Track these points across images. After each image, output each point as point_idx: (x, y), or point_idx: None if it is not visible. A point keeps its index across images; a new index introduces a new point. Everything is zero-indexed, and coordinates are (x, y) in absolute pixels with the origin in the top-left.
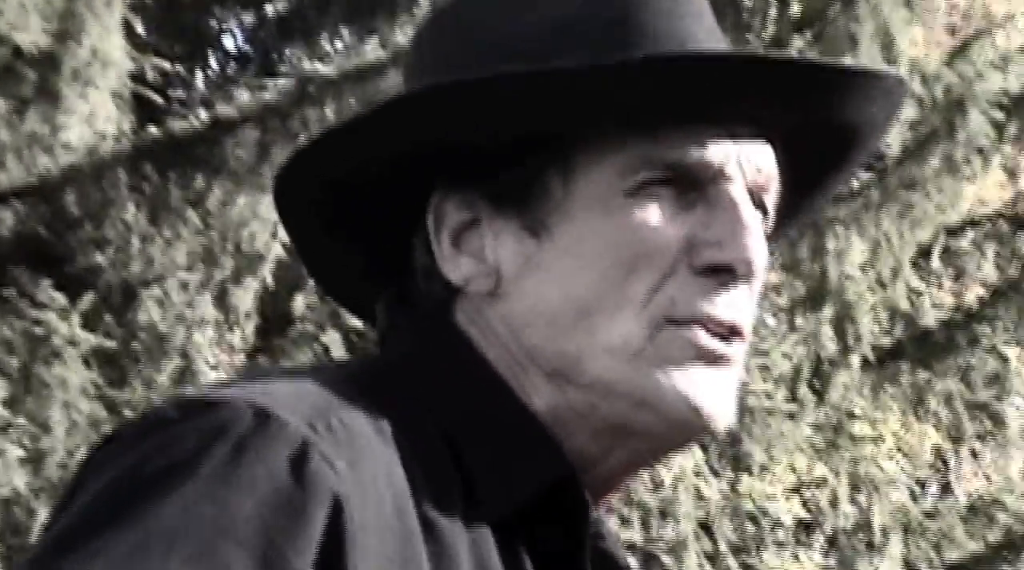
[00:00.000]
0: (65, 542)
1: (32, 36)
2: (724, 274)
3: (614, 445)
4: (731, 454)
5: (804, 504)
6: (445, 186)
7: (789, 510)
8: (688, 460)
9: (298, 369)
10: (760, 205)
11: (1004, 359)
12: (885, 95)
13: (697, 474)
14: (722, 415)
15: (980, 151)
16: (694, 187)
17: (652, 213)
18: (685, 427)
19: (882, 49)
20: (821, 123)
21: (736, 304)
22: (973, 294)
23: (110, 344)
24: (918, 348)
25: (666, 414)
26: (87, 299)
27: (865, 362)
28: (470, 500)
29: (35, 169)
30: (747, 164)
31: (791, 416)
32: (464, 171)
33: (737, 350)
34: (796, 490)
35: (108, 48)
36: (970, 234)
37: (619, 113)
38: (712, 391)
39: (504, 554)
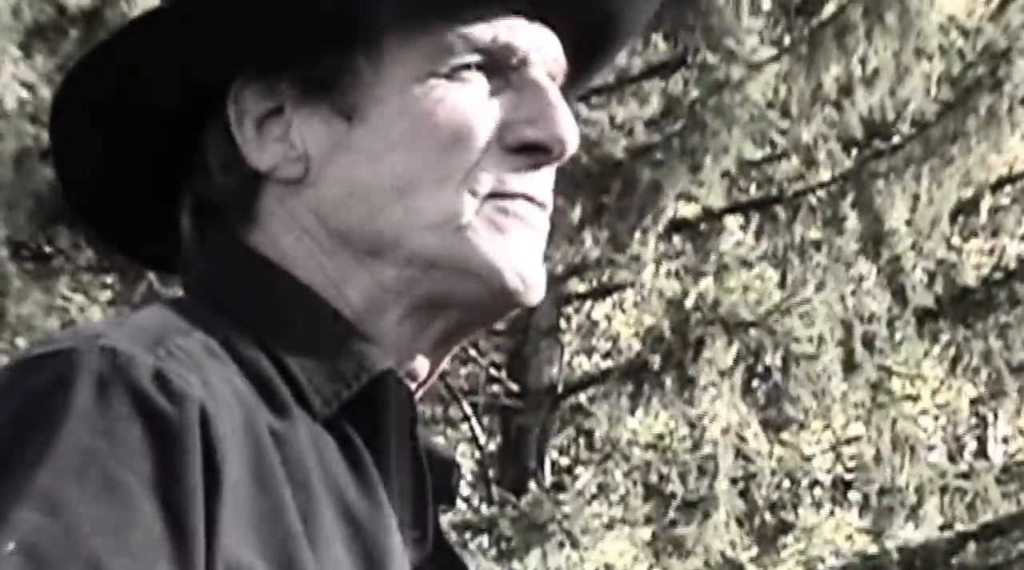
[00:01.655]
0: None
1: None
2: (538, 153)
3: (430, 320)
4: (773, 411)
5: (838, 460)
6: (246, 77)
7: (828, 470)
8: (733, 416)
9: (126, 313)
10: None
11: None
12: None
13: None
14: (539, 286)
15: None
16: (501, 72)
17: (465, 95)
18: (509, 295)
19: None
20: (590, 12)
21: (545, 182)
22: (1013, 251)
23: None
24: (957, 306)
25: (490, 282)
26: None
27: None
28: (301, 405)
29: None
30: (546, 52)
31: (833, 372)
32: (269, 61)
33: (545, 221)
34: (833, 447)
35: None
36: (1009, 190)
37: None
38: (532, 261)
39: (343, 449)
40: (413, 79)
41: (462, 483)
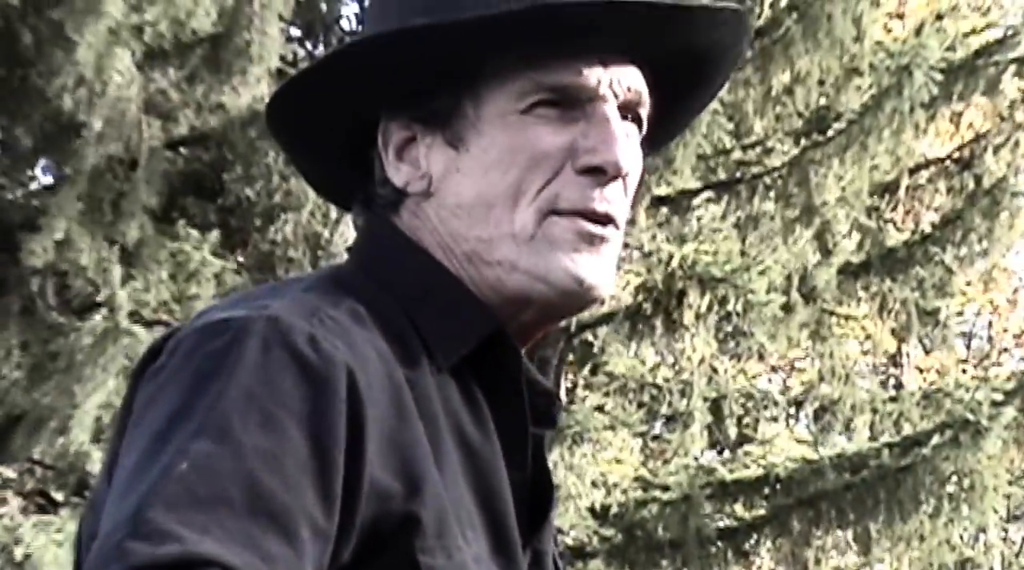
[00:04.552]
0: (170, 434)
1: (201, 22)
2: (599, 174)
3: (519, 310)
4: (735, 344)
5: (788, 384)
6: (389, 113)
7: (782, 393)
8: (705, 348)
9: (285, 282)
10: (635, 118)
11: (950, 271)
12: (727, 25)
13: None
14: (601, 287)
15: (924, 106)
16: (575, 106)
17: (541, 127)
18: (572, 296)
19: (852, 25)
20: (680, 51)
21: (610, 198)
22: (927, 220)
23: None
24: (884, 262)
25: (555, 286)
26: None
27: (841, 272)
28: (430, 357)
29: (199, 124)
30: (618, 85)
31: (785, 313)
32: (403, 101)
33: (612, 233)
34: (782, 373)
35: (270, 31)
36: (925, 173)
37: (514, 50)
38: (591, 267)
39: (462, 391)
40: (501, 115)
41: None
